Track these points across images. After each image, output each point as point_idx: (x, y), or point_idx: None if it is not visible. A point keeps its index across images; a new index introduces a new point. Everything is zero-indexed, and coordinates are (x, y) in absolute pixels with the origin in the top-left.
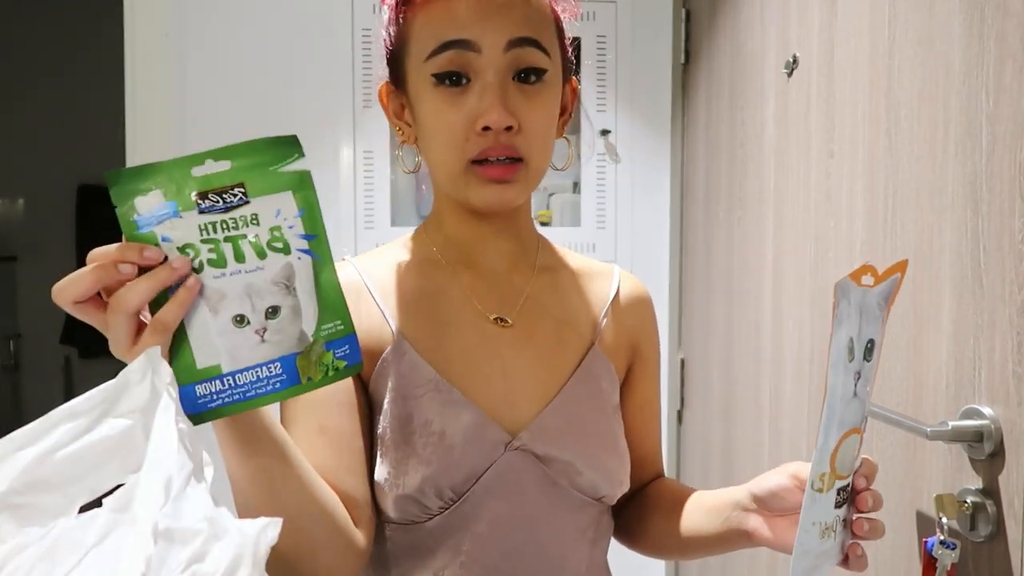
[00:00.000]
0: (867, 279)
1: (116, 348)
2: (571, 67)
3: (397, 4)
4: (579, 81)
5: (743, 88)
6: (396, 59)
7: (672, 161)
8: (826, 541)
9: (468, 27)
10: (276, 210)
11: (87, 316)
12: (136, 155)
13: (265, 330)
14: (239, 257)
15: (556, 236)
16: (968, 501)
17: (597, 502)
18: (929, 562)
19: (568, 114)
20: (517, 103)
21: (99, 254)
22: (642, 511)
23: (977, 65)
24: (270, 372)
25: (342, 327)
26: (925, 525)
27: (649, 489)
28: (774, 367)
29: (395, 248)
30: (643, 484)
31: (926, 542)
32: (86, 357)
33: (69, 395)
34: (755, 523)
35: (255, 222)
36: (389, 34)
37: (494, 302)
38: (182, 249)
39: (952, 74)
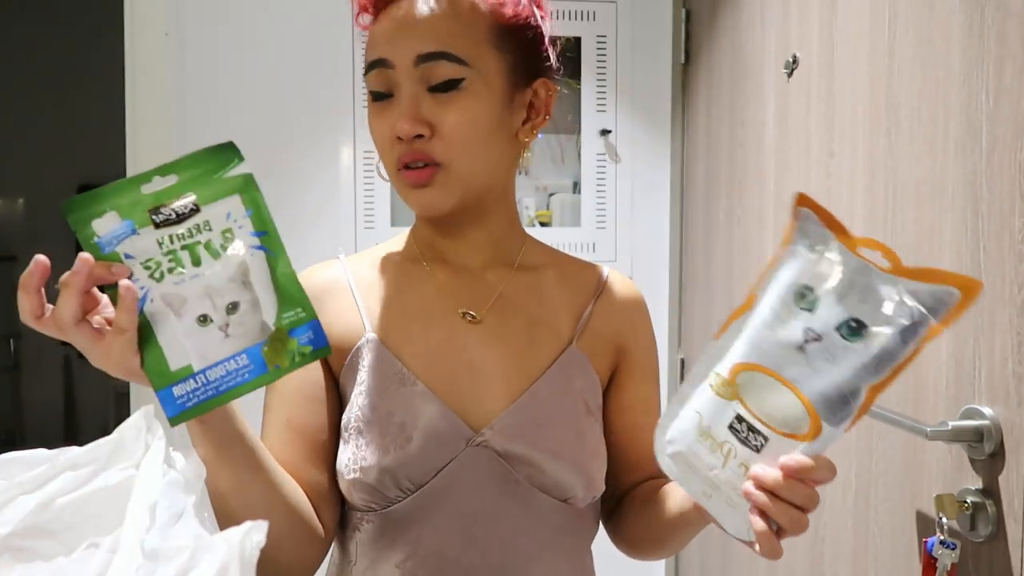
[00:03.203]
0: (874, 255)
1: (88, 356)
2: (535, 66)
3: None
4: (579, 83)
5: (743, 88)
6: None
7: (672, 161)
8: (709, 455)
9: (382, 47)
10: (226, 213)
11: (45, 331)
12: (136, 154)
13: (228, 325)
14: (196, 262)
15: (556, 236)
16: (968, 501)
17: (564, 503)
18: (929, 562)
19: (540, 118)
20: (430, 110)
21: (67, 277)
22: (624, 510)
23: (977, 65)
24: (238, 364)
25: (303, 314)
26: (925, 525)
27: (633, 490)
28: None
29: (387, 246)
30: (634, 487)
31: (926, 542)
32: (85, 357)
33: (69, 395)
34: None
35: (208, 228)
36: None
37: (466, 298)
38: (145, 264)
39: (952, 74)
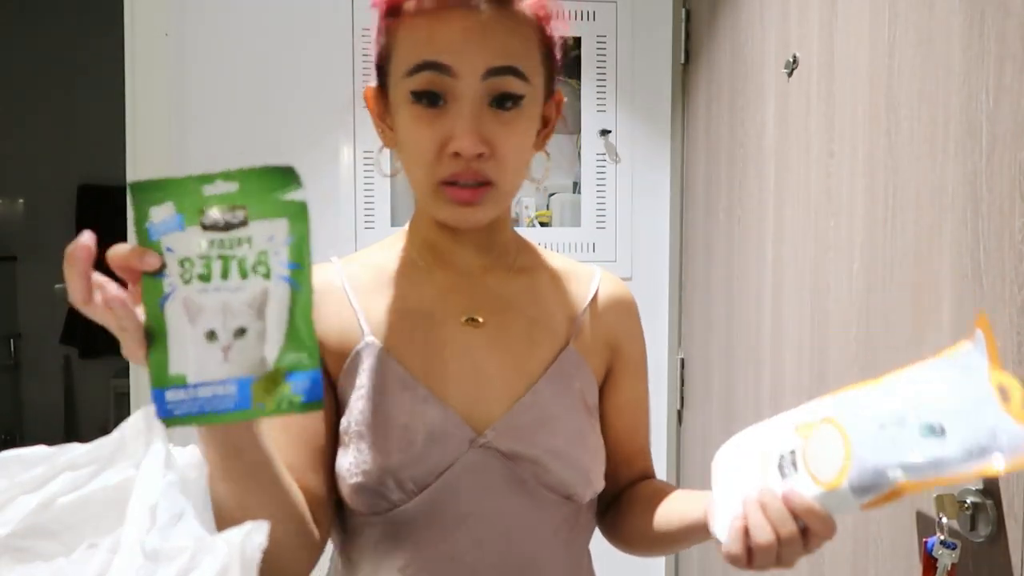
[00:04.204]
0: (1007, 389)
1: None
2: (555, 80)
3: (384, 14)
4: (579, 83)
5: (743, 88)
6: (382, 66)
7: (672, 161)
8: (759, 470)
9: (446, 52)
10: (269, 235)
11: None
12: (136, 155)
13: (230, 348)
14: (224, 274)
15: (556, 236)
16: (968, 501)
17: (567, 500)
18: (929, 562)
19: (551, 127)
20: (491, 129)
21: (110, 254)
22: (623, 508)
23: (977, 65)
24: (225, 391)
25: (307, 361)
26: (925, 525)
27: (633, 488)
28: (774, 367)
29: (381, 247)
30: (630, 483)
31: (926, 542)
32: (86, 357)
33: (69, 395)
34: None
35: (248, 243)
36: (378, 42)
37: (467, 302)
38: (181, 262)
39: (952, 74)
